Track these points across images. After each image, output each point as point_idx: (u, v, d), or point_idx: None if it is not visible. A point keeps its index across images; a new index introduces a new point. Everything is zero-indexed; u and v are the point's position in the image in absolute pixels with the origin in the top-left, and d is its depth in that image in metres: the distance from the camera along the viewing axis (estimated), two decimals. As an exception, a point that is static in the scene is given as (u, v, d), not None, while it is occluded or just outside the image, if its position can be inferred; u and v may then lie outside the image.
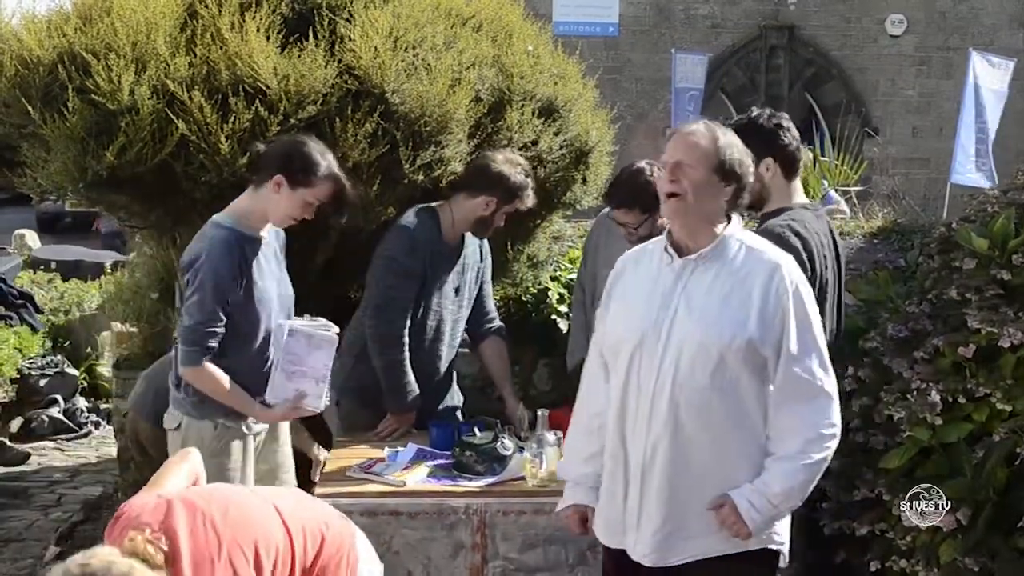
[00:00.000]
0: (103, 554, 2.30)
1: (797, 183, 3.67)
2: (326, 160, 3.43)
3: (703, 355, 2.70)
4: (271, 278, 3.48)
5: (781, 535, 2.82)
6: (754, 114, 3.68)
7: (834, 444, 2.74)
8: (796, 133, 3.63)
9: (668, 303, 2.77)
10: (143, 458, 4.49)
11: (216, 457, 3.33)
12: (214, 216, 3.46)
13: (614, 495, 2.85)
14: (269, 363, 3.48)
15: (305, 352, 3.45)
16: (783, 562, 2.87)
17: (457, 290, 4.09)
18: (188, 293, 3.35)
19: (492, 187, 3.92)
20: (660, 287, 2.80)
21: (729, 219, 2.81)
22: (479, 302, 4.25)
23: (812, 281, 3.40)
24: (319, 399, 3.52)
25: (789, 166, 3.60)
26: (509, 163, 3.96)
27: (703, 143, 2.75)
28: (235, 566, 2.47)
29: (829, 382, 2.75)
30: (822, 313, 3.50)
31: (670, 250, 2.81)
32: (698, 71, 13.39)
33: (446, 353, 4.15)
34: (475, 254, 4.17)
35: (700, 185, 2.73)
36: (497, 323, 4.33)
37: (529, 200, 4.02)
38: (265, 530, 2.56)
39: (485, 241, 4.22)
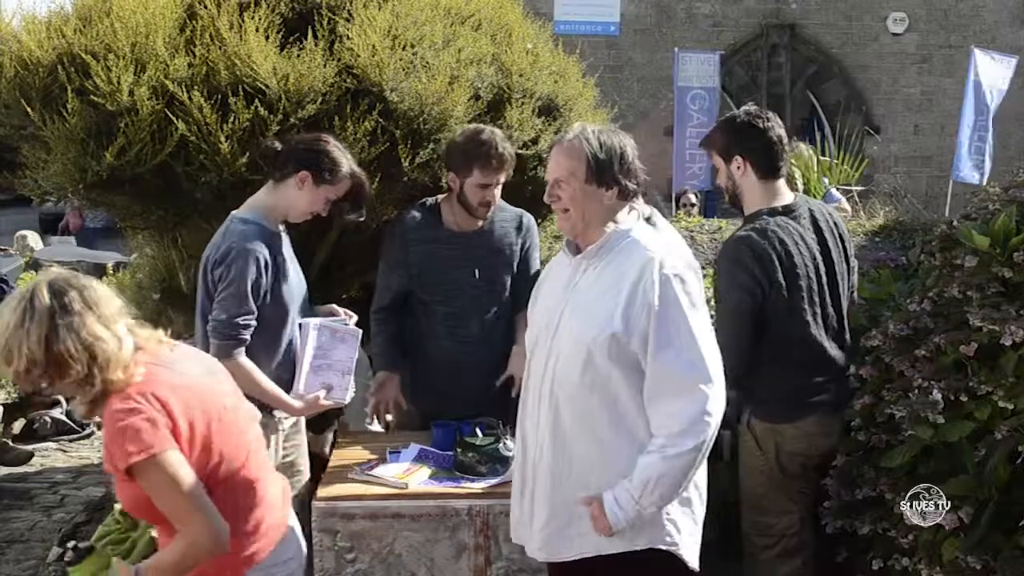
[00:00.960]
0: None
1: (779, 184, 3.61)
2: (347, 159, 3.55)
3: (575, 351, 2.72)
4: (293, 272, 3.58)
5: (675, 536, 2.78)
6: (736, 111, 3.68)
7: (704, 437, 2.64)
8: (779, 133, 3.56)
9: (559, 302, 2.83)
10: None
11: None
12: (235, 212, 3.53)
13: (517, 492, 2.95)
14: (293, 357, 3.55)
15: (331, 346, 3.60)
16: (692, 565, 2.83)
17: (477, 273, 4.00)
18: (222, 287, 3.40)
19: (446, 160, 3.94)
20: (559, 286, 2.87)
21: (629, 212, 2.85)
22: (524, 284, 4.09)
23: (770, 286, 3.41)
24: (345, 391, 3.66)
25: (763, 166, 3.56)
26: (463, 133, 3.89)
27: (572, 157, 2.80)
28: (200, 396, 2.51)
29: (701, 376, 2.65)
30: (800, 312, 3.48)
31: (566, 249, 2.89)
32: (705, 70, 13.39)
33: (477, 340, 4.01)
34: (507, 236, 4.06)
35: (578, 197, 2.80)
36: None
37: (498, 165, 3.81)
38: (243, 415, 2.68)
39: (529, 223, 4.14)
